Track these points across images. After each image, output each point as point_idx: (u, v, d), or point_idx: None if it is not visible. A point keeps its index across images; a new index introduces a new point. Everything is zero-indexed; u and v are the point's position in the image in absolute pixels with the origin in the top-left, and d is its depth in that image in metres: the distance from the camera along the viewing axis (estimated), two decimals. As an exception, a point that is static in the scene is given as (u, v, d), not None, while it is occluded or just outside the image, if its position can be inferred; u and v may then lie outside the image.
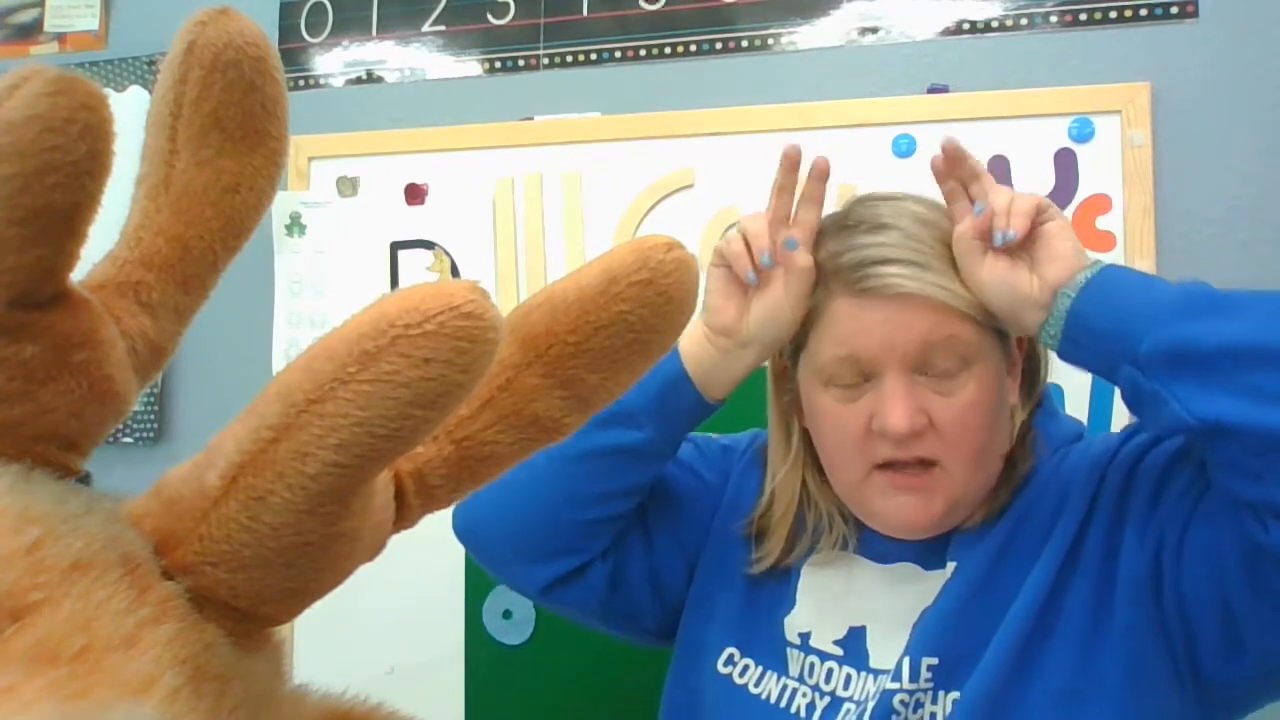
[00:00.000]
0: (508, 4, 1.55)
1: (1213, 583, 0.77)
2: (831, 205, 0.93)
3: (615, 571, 0.97)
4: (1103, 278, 0.80)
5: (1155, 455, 0.84)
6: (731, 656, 0.94)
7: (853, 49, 1.42)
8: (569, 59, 1.52)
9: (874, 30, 1.41)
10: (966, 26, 1.38)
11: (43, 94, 0.35)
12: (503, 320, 0.35)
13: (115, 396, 0.43)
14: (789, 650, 0.91)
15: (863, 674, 0.87)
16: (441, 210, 1.52)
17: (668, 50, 1.48)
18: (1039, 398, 0.94)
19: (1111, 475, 0.85)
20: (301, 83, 1.63)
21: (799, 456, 0.94)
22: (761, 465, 0.99)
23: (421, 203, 1.53)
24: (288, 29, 1.64)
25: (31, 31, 1.77)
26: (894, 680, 0.83)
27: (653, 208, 1.44)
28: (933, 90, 1.37)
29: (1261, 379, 0.71)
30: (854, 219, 0.89)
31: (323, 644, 1.40)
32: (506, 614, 1.43)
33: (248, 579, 0.38)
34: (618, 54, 1.50)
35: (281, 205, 1.56)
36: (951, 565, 0.87)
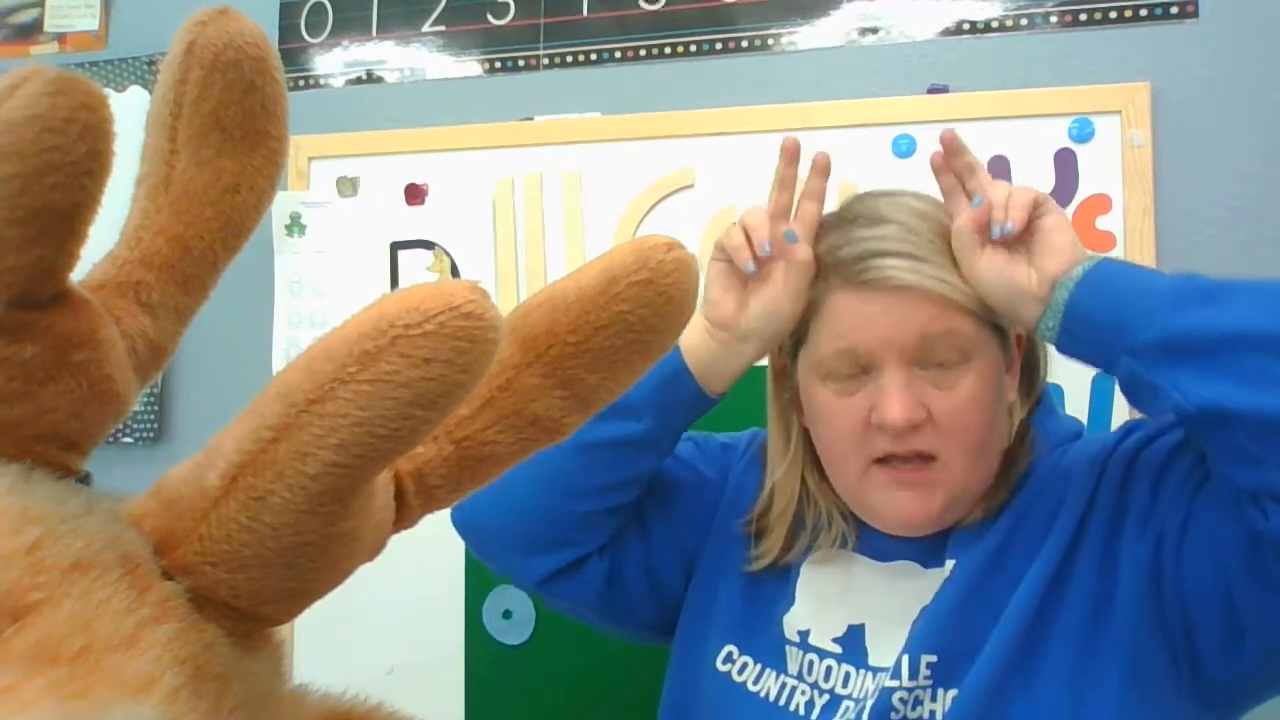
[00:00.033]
0: (508, 4, 1.55)
1: (1214, 573, 0.77)
2: (832, 204, 0.94)
3: (613, 566, 0.97)
4: (1100, 270, 0.81)
5: (1154, 449, 0.84)
6: (730, 654, 0.94)
7: (853, 49, 1.42)
8: (569, 59, 1.52)
9: (874, 30, 1.41)
10: (966, 26, 1.38)
11: (43, 94, 0.35)
12: (503, 320, 0.35)
13: (115, 396, 0.43)
14: (788, 648, 0.91)
15: (862, 672, 0.87)
16: (441, 210, 1.52)
17: (668, 50, 1.48)
18: (1038, 396, 0.94)
19: (1110, 470, 0.86)
20: (301, 83, 1.63)
21: (798, 454, 0.94)
22: (761, 464, 0.99)
23: (421, 203, 1.53)
24: (288, 29, 1.64)
25: (31, 31, 1.77)
26: (893, 678, 0.83)
27: (653, 208, 1.44)
28: (933, 90, 1.37)
29: (1258, 364, 0.71)
30: (853, 213, 0.90)
31: (323, 644, 1.40)
32: (506, 614, 1.43)
33: (248, 579, 0.38)
34: (618, 54, 1.50)
35: (281, 205, 1.56)
36: (950, 563, 0.87)
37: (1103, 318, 0.79)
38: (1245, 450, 0.72)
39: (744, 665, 0.93)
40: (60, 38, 1.75)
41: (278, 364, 1.56)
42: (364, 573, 0.42)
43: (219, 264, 0.49)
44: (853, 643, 0.89)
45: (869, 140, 1.36)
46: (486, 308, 0.35)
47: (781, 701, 0.89)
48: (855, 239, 0.87)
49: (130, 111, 1.51)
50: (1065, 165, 1.31)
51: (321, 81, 1.63)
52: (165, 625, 0.36)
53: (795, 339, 0.92)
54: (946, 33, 1.38)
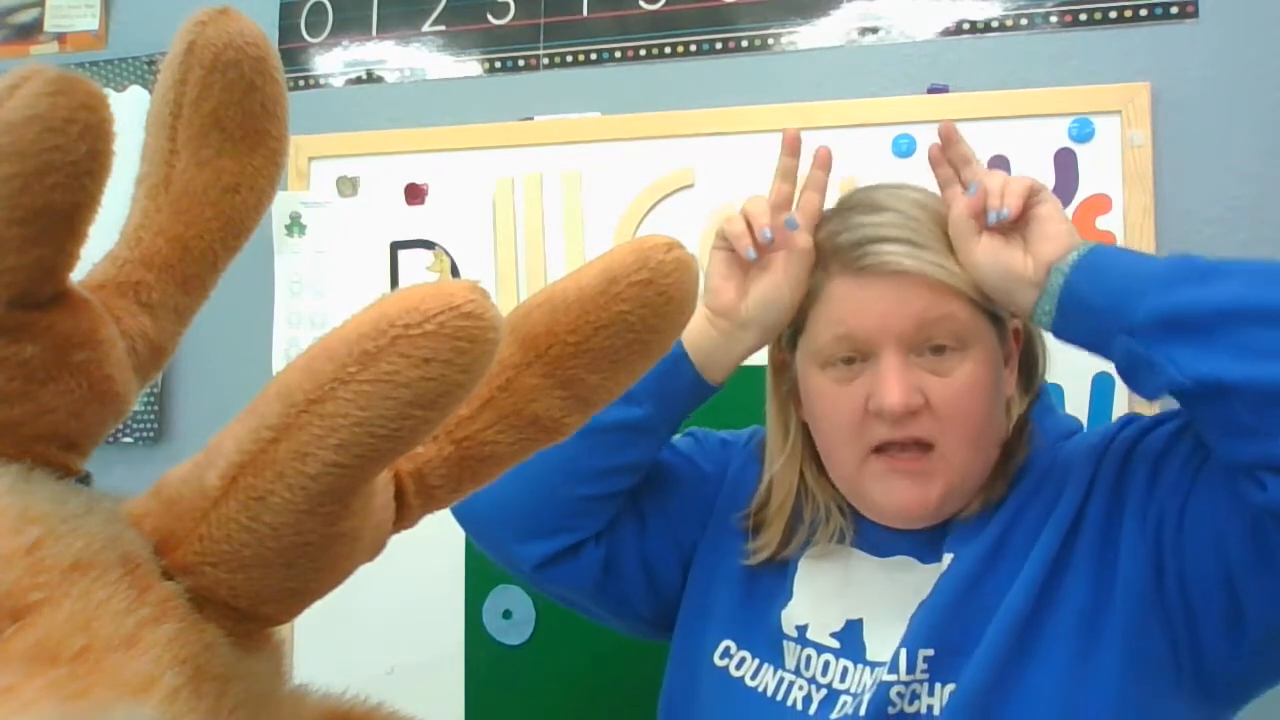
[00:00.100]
0: (508, 4, 1.55)
1: (1215, 556, 0.77)
2: (834, 200, 0.95)
3: (609, 553, 0.98)
4: (1095, 254, 0.82)
5: (1152, 439, 0.85)
6: (728, 649, 0.94)
7: (853, 49, 1.42)
8: (569, 59, 1.52)
9: (874, 30, 1.41)
10: (966, 26, 1.38)
11: (43, 94, 0.35)
12: (503, 320, 0.35)
13: (115, 396, 0.43)
14: (785, 643, 0.91)
15: (859, 666, 0.87)
16: (441, 210, 1.52)
17: (668, 50, 1.48)
18: (1036, 392, 0.95)
19: (1108, 460, 0.86)
20: (301, 83, 1.63)
21: (796, 448, 0.95)
22: (760, 459, 0.99)
23: (421, 203, 1.53)
24: (288, 29, 1.64)
25: (31, 31, 1.77)
26: (890, 672, 0.83)
27: (653, 208, 1.44)
28: (933, 90, 1.37)
29: (1252, 337, 0.72)
30: (852, 202, 0.92)
31: (323, 644, 1.40)
32: (506, 614, 1.43)
33: (248, 579, 0.38)
34: (618, 54, 1.50)
35: (281, 205, 1.56)
36: (948, 557, 0.87)
37: (1098, 299, 0.80)
38: (1242, 422, 0.72)
39: (742, 660, 0.93)
40: (60, 38, 1.75)
41: (278, 364, 1.56)
42: (364, 573, 0.42)
43: (219, 264, 0.49)
44: (851, 637, 0.89)
45: (869, 140, 1.36)
46: (486, 308, 0.35)
47: (779, 696, 0.89)
48: (854, 225, 0.88)
49: (130, 111, 1.51)
50: (1065, 165, 1.31)
51: (321, 81, 1.63)
52: (165, 625, 0.36)
53: (794, 328, 0.93)
54: (946, 33, 1.38)
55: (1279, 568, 0.74)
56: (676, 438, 1.04)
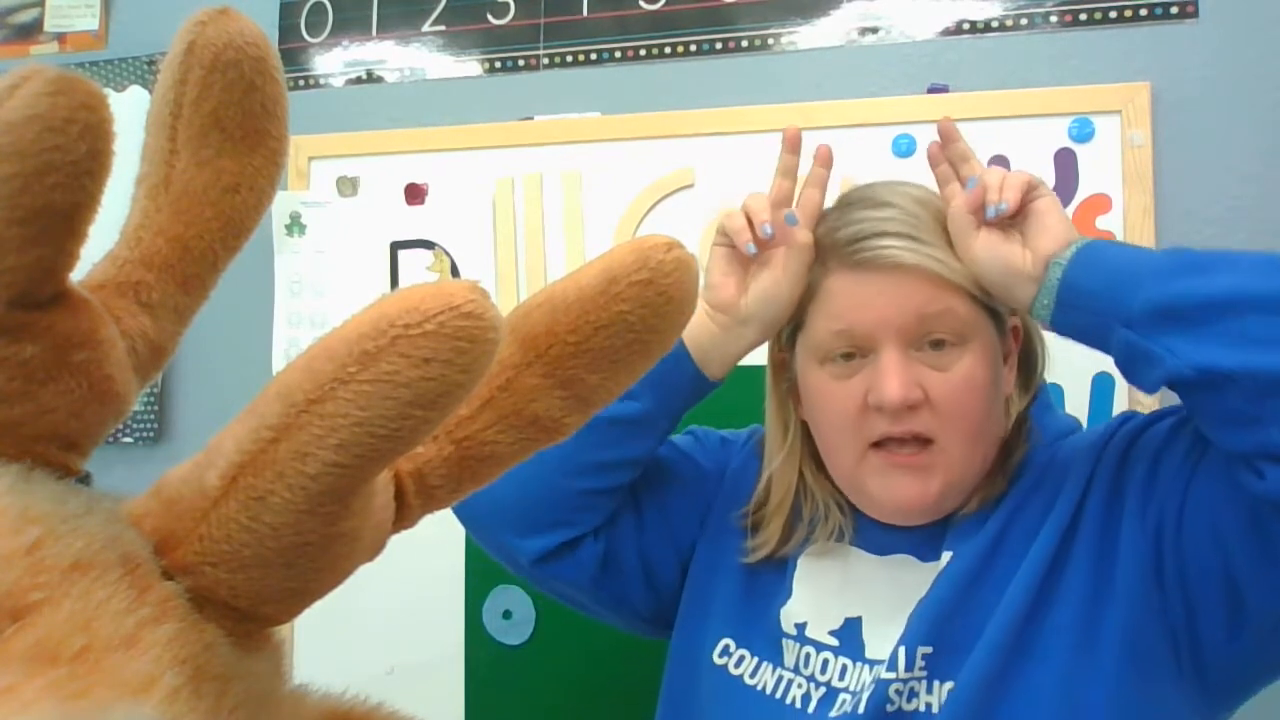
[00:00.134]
0: (508, 4, 1.55)
1: (1214, 548, 0.77)
2: (834, 199, 0.95)
3: (608, 549, 0.98)
4: (1092, 248, 0.82)
5: (1150, 434, 0.85)
6: (727, 647, 0.94)
7: (853, 49, 1.42)
8: (569, 59, 1.52)
9: (874, 30, 1.41)
10: (966, 26, 1.38)
11: (43, 94, 0.35)
12: (503, 320, 0.35)
13: (115, 396, 0.43)
14: (784, 641, 0.91)
15: (859, 664, 0.87)
16: (441, 210, 1.52)
17: (668, 50, 1.48)
18: (1035, 390, 0.95)
19: (1107, 456, 0.86)
20: (301, 83, 1.63)
21: (795, 446, 0.95)
22: (759, 458, 1.00)
23: (421, 203, 1.53)
24: (288, 29, 1.64)
25: (31, 31, 1.77)
26: (889, 669, 0.83)
27: (653, 208, 1.44)
28: (933, 90, 1.37)
29: (1250, 326, 0.73)
30: (851, 199, 0.92)
31: (323, 644, 1.40)
32: (506, 614, 1.43)
33: (248, 579, 0.38)
34: (618, 54, 1.50)
35: (281, 205, 1.56)
36: (947, 555, 0.87)
37: (1096, 291, 0.80)
38: (1241, 411, 0.72)
39: (740, 658, 0.93)
40: (60, 38, 1.75)
41: (278, 364, 1.56)
42: (364, 573, 0.42)
43: (219, 264, 0.49)
44: (850, 635, 0.89)
45: (869, 140, 1.36)
46: (486, 307, 0.35)
47: (778, 695, 0.89)
48: (853, 220, 0.88)
49: (130, 111, 1.51)
50: (1065, 165, 1.31)
51: (321, 81, 1.63)
52: (165, 625, 0.36)
53: (793, 325, 0.93)
54: (946, 33, 1.38)
55: (1278, 556, 0.74)
56: (676, 436, 1.04)
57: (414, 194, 1.53)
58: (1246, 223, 1.28)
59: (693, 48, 1.47)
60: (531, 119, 1.51)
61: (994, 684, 0.81)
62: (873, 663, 0.86)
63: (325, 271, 1.56)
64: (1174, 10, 1.31)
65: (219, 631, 0.39)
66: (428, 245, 1.53)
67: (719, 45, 1.46)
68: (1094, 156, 1.30)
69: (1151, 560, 0.80)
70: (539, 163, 1.48)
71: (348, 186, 1.56)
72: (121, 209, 0.47)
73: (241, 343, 1.56)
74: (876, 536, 0.92)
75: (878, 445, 0.87)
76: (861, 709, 0.83)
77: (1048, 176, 1.31)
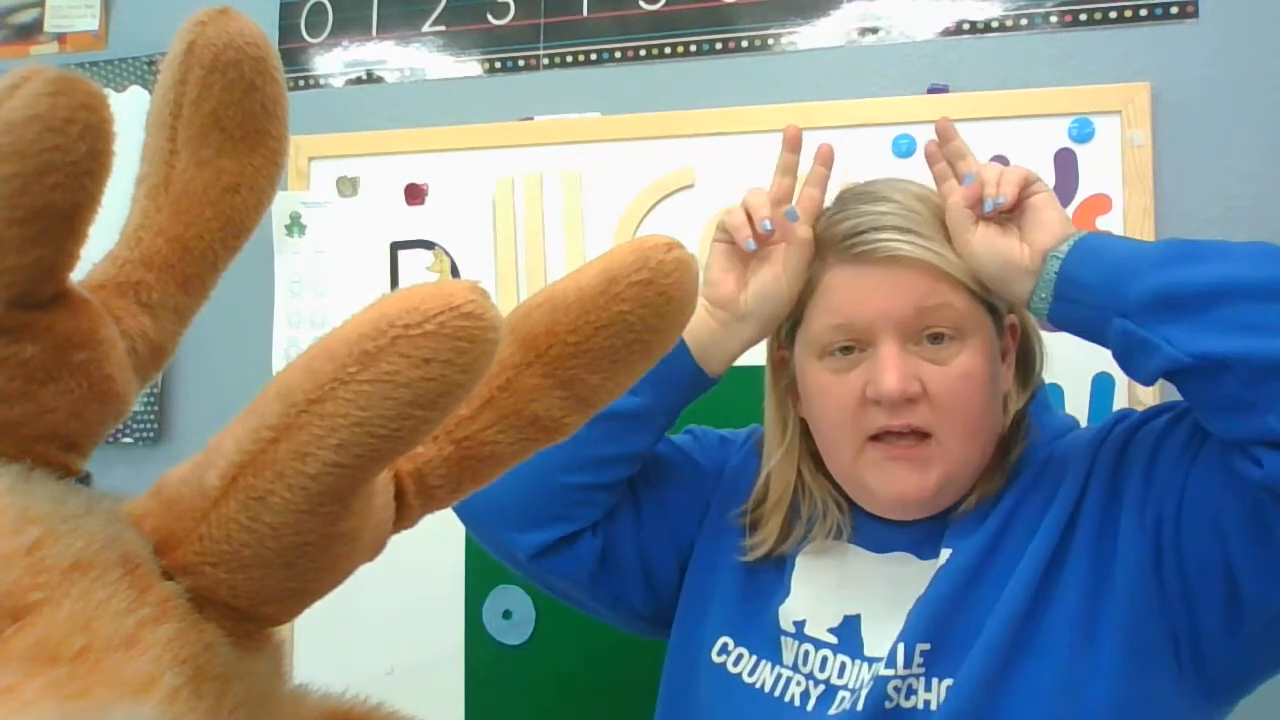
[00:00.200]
0: (508, 4, 1.55)
1: (1213, 538, 0.77)
2: (833, 198, 0.95)
3: (606, 544, 0.98)
4: (1088, 241, 0.83)
5: (1148, 429, 0.85)
6: (725, 645, 0.94)
7: (853, 49, 1.42)
8: (569, 59, 1.52)
9: (874, 30, 1.41)
10: (966, 26, 1.38)
11: (43, 94, 0.35)
12: (503, 320, 0.35)
13: (115, 396, 0.43)
14: (783, 639, 0.91)
15: (857, 662, 0.87)
16: (441, 210, 1.52)
17: (668, 50, 1.48)
18: (1034, 389, 0.95)
19: (1105, 452, 0.86)
20: (301, 83, 1.63)
21: (794, 443, 0.95)
22: (758, 456, 1.00)
23: (421, 203, 1.53)
24: (288, 29, 1.64)
25: (31, 31, 1.77)
26: (887, 666, 0.83)
27: (653, 208, 1.44)
28: (933, 90, 1.37)
29: (1246, 312, 0.73)
30: (849, 194, 0.93)
31: (323, 644, 1.40)
32: (506, 614, 1.43)
33: (248, 579, 0.38)
34: (618, 54, 1.50)
35: (281, 205, 1.56)
36: (946, 552, 0.87)
37: (1093, 283, 0.81)
38: (1238, 398, 0.73)
39: (739, 656, 0.93)
40: (60, 38, 1.75)
41: (278, 364, 1.56)
42: (364, 573, 0.42)
43: (219, 264, 0.49)
44: (849, 633, 0.89)
45: (869, 140, 1.36)
46: (486, 308, 0.35)
47: (777, 693, 0.89)
48: (851, 214, 0.89)
49: (130, 111, 1.51)
50: (1065, 165, 1.31)
51: (321, 81, 1.63)
52: (165, 625, 0.36)
53: (792, 321, 0.93)
54: (946, 33, 1.38)
55: (1277, 546, 0.74)
56: (675, 435, 1.04)
57: (414, 194, 1.53)
58: (1246, 223, 1.28)
59: (693, 48, 1.47)
60: (531, 119, 1.51)
61: (993, 681, 0.81)
62: (871, 660, 0.86)
63: (325, 272, 1.56)
64: (1174, 10, 1.31)
65: (219, 631, 0.39)
66: (428, 245, 1.53)
67: (719, 45, 1.46)
68: (1094, 157, 1.30)
69: (1151, 554, 0.80)
70: (539, 163, 1.48)
71: (348, 187, 1.56)
72: (121, 209, 0.47)
73: (241, 343, 1.56)
74: (875, 534, 0.92)
75: (876, 439, 0.87)
76: (860, 706, 0.83)
77: (1048, 177, 1.31)
